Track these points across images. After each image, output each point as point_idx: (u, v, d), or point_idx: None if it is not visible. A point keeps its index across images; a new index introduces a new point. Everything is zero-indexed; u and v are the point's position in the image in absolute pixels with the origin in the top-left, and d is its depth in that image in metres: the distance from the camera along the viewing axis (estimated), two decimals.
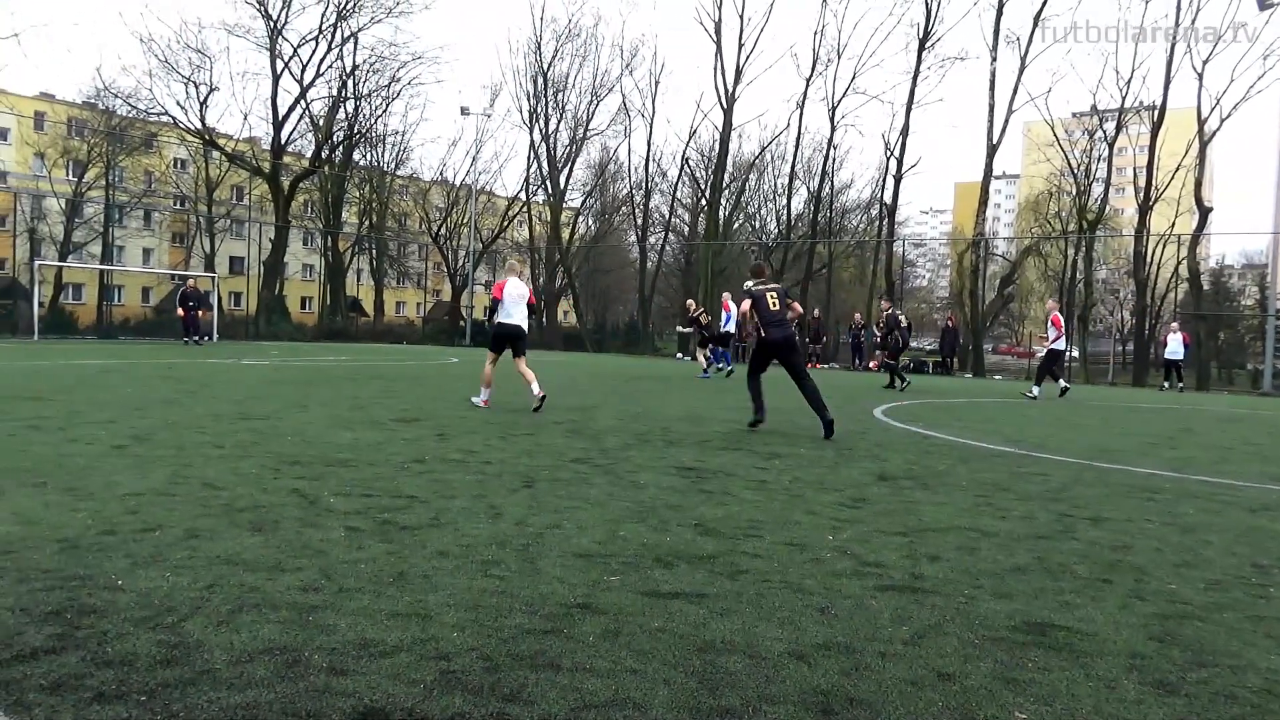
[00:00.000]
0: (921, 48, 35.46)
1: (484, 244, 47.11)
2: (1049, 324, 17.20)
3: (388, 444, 7.49)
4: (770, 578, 3.94)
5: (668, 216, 46.01)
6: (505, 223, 48.00)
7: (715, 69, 41.78)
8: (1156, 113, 32.25)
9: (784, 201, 42.10)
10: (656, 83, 51.13)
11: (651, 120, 45.31)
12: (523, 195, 46.30)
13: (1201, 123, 31.65)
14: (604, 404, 12.32)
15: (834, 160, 40.43)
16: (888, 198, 37.69)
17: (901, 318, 20.37)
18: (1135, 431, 11.82)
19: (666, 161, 52.90)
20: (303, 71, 40.64)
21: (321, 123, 42.20)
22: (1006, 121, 33.57)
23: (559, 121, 44.67)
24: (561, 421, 9.70)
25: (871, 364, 29.07)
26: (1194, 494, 6.67)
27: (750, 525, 4.97)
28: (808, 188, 41.59)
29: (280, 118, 40.57)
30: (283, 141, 41.25)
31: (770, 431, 9.60)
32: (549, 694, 2.63)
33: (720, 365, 20.81)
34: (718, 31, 39.09)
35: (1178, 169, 32.85)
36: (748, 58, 41.33)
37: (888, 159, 37.89)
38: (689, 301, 21.86)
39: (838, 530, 4.94)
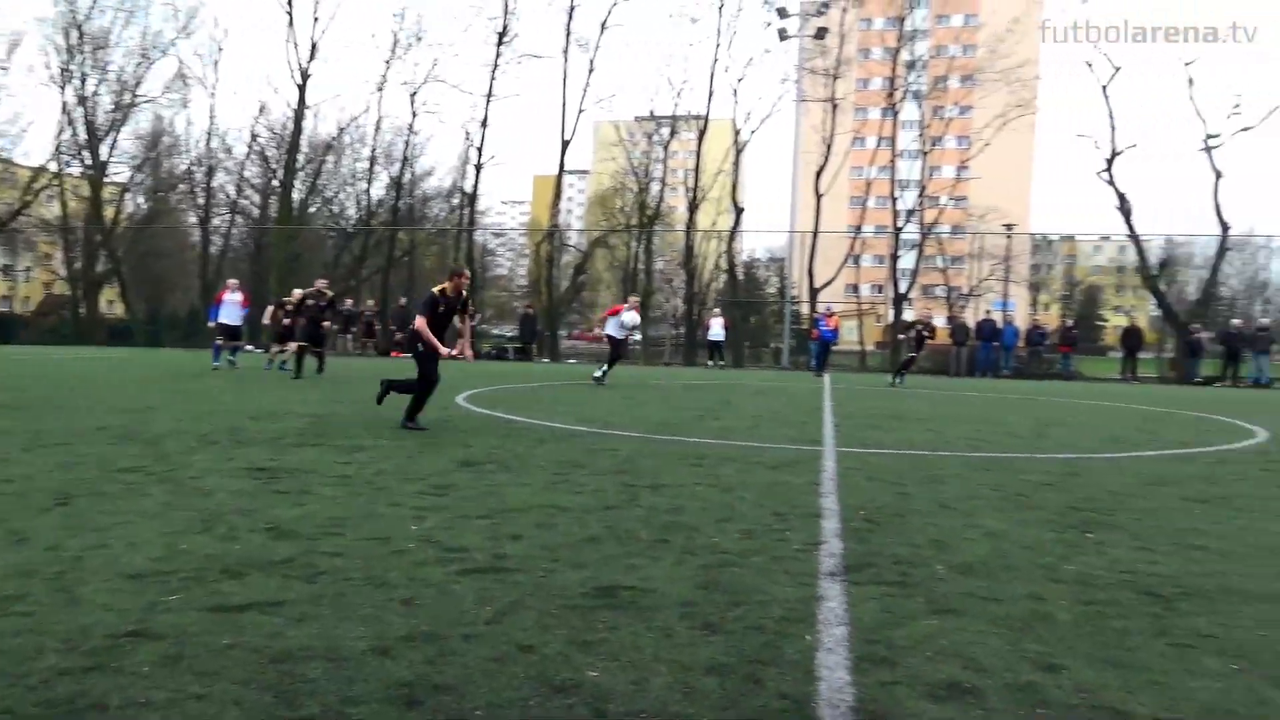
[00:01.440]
0: (500, 42, 36.45)
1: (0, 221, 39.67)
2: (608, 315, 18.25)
3: None
4: (351, 576, 3.84)
5: (234, 196, 42.35)
6: (29, 197, 40.80)
7: (287, 41, 39.24)
8: (701, 122, 36.46)
9: (364, 186, 40.86)
10: (219, 49, 46.73)
11: (214, 90, 41.52)
12: (53, 166, 39.71)
13: (736, 133, 36.39)
14: (163, 405, 11.04)
15: (415, 146, 40.22)
16: (468, 187, 38.35)
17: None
18: (688, 406, 13.30)
19: (233, 137, 48.72)
20: None
21: None
22: (577, 120, 35.94)
23: (99, 83, 38.96)
24: (107, 427, 8.53)
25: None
26: (732, 457, 7.69)
27: (330, 523, 4.79)
28: (388, 173, 40.81)
29: None
30: None
31: (354, 423, 9.31)
32: None
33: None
34: (289, 1, 36.73)
35: (719, 173, 37.40)
36: (322, 32, 39.40)
37: (467, 148, 38.47)
38: (295, 291, 18.94)
39: (421, 520, 4.95)
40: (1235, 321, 28.78)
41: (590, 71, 35.85)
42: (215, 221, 41.52)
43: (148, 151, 42.16)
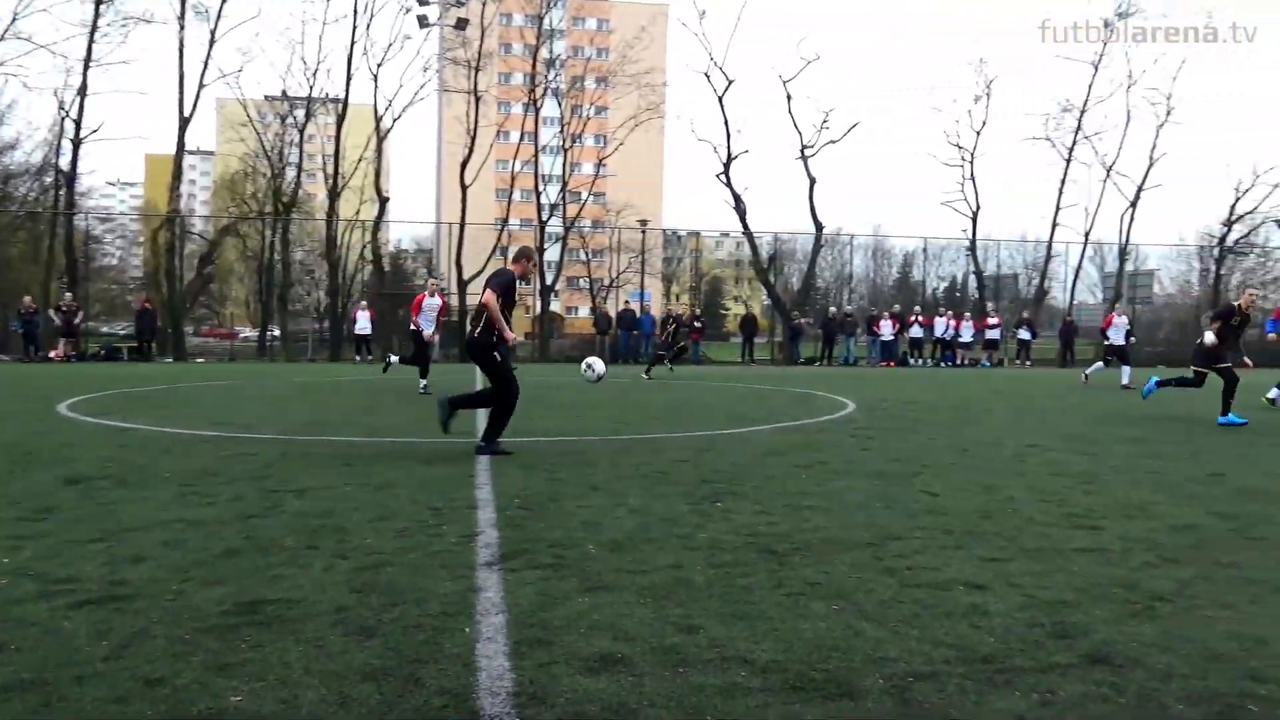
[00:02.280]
0: (99, 0, 31.99)
1: None
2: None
3: None
4: None
5: None
6: None
7: None
8: (341, 106, 34.79)
9: None
10: None
11: None
12: None
13: (378, 120, 35.19)
14: None
15: None
16: (64, 164, 33.31)
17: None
18: (336, 404, 12.71)
19: None
20: None
21: None
22: (198, 96, 32.52)
23: None
24: None
25: (53, 354, 25.56)
26: (385, 455, 7.49)
27: None
28: None
29: None
30: None
31: None
32: None
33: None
34: None
35: (360, 160, 35.97)
36: None
37: (62, 119, 33.37)
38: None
39: (16, 550, 4.26)
40: (832, 309, 33.20)
41: (211, 43, 32.67)
42: None
43: None
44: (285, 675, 2.81)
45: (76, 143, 32.72)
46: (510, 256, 8.16)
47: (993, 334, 31.08)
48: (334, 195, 34.78)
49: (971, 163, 36.63)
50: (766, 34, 45.37)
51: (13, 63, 33.17)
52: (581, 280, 41.91)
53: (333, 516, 5.09)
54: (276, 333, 35.54)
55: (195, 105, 32.91)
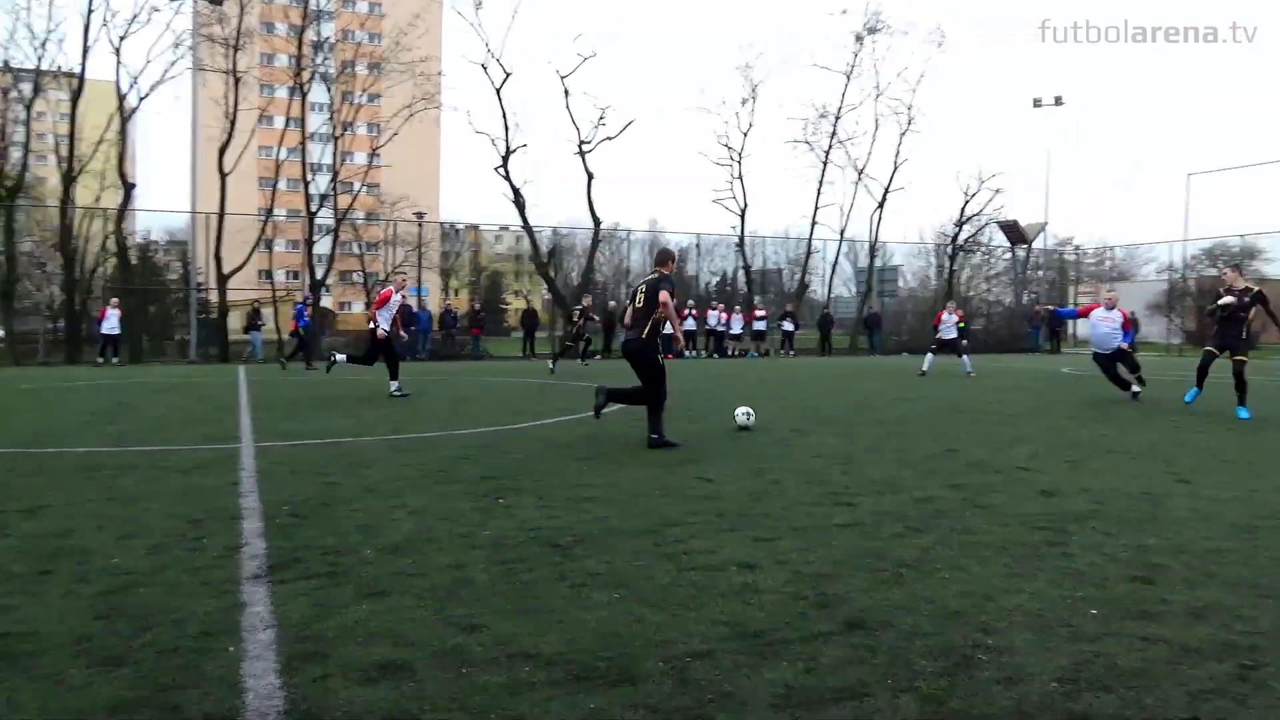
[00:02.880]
0: None
1: None
2: None
3: None
4: None
5: None
6: None
7: None
8: (77, 81, 31.34)
9: None
10: None
11: None
12: None
13: (122, 99, 32.01)
14: None
15: None
16: None
17: None
18: (74, 411, 11.50)
19: None
20: None
21: None
22: None
23: None
24: None
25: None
26: (134, 465, 6.86)
27: None
28: None
29: None
30: None
31: None
32: None
33: None
34: None
35: (100, 142, 32.60)
36: None
37: None
38: None
39: None
40: (612, 303, 33.80)
41: None
42: None
43: None
44: (17, 717, 2.53)
45: None
46: (658, 259, 8.73)
47: (760, 326, 32.86)
48: (69, 180, 31.34)
49: (739, 162, 38.51)
50: (545, 28, 45.52)
51: None
52: (355, 274, 40.27)
53: (72, 536, 4.60)
54: (0, 333, 31.62)
55: None
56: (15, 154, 32.94)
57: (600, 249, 37.95)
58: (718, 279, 45.18)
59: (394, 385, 13.55)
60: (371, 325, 13.69)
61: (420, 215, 35.05)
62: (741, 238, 38.73)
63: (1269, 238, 38.61)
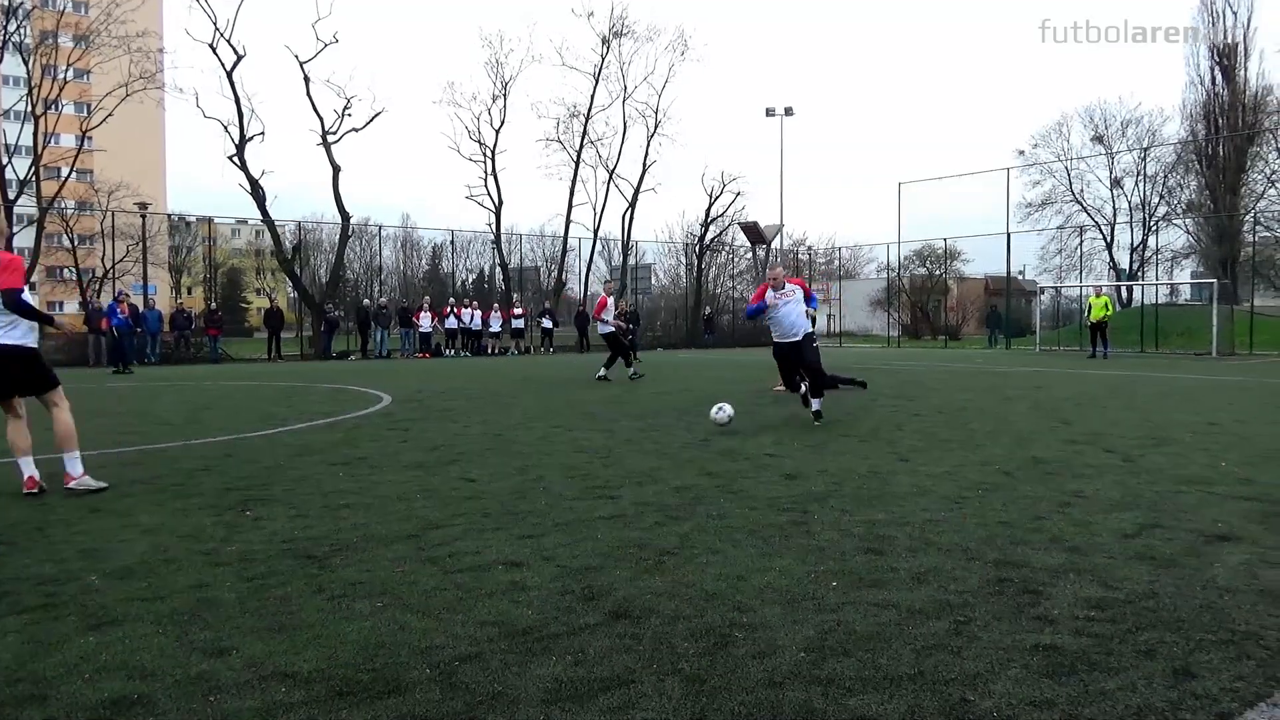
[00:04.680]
0: None
1: None
2: None
3: None
4: None
5: None
6: None
7: None
8: None
9: None
10: None
11: None
12: None
13: None
14: None
15: None
16: None
17: None
18: None
19: None
20: None
21: None
22: None
23: None
24: None
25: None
26: None
27: None
28: None
29: None
30: None
31: None
32: None
33: None
34: None
35: None
36: None
37: None
38: None
39: None
40: (366, 300, 32.49)
41: None
42: None
43: None
44: None
45: None
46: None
47: (518, 324, 32.86)
48: None
49: (493, 159, 38.31)
50: (281, 9, 42.86)
51: None
52: (67, 270, 36.09)
53: None
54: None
55: None
56: None
57: (350, 245, 36.36)
58: (474, 276, 44.71)
59: (631, 369, 16.58)
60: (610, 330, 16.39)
61: (144, 206, 31.87)
62: (498, 235, 38.57)
63: (968, 241, 43.76)
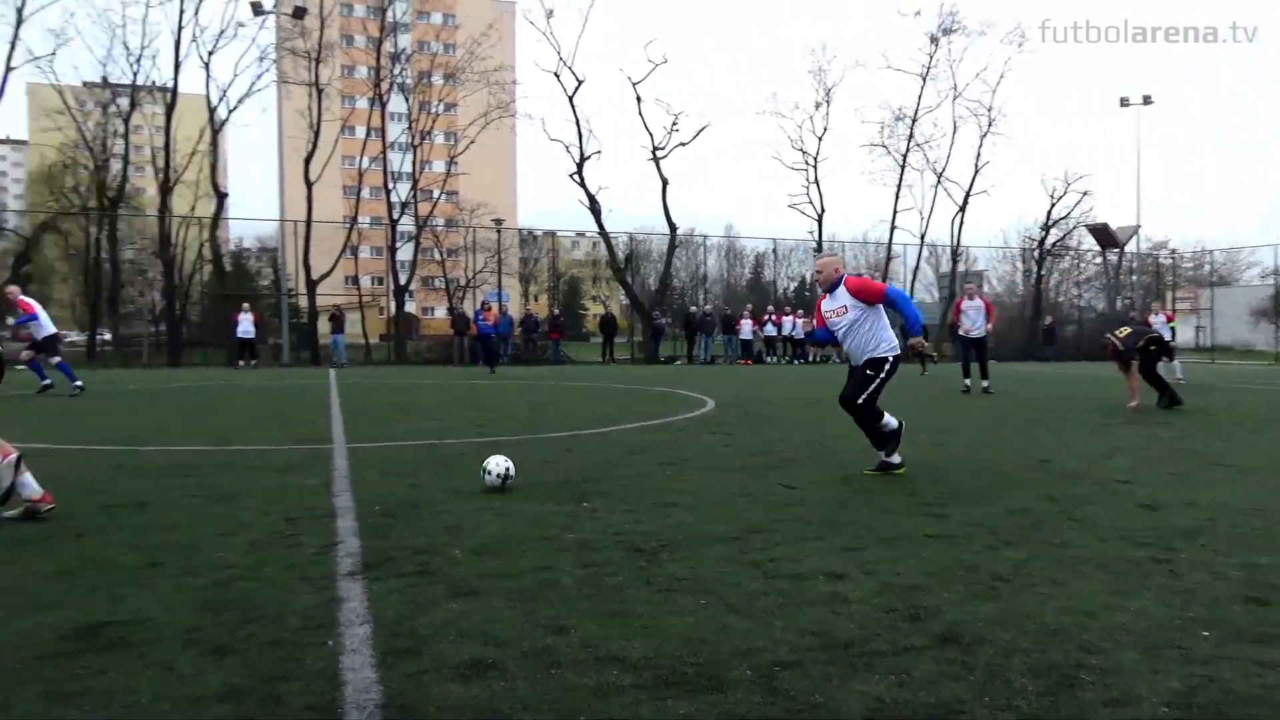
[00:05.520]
0: None
1: None
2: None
3: None
4: None
5: None
6: None
7: None
8: (170, 95, 32.74)
9: None
10: None
11: None
12: None
13: (212, 111, 33.32)
14: None
15: None
16: None
17: None
18: (178, 410, 11.98)
19: None
20: None
21: None
22: (5, 79, 29.95)
23: None
24: None
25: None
26: (231, 464, 7.12)
27: None
28: None
29: None
30: None
31: None
32: None
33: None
34: None
35: (194, 153, 33.99)
36: None
37: None
38: (11, 288, 14.19)
39: None
40: (693, 308, 33.79)
41: (18, 23, 30.08)
42: None
43: None
44: (133, 701, 2.64)
45: None
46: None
47: None
48: (166, 190, 32.76)
49: (815, 166, 38.15)
50: (615, 35, 45.79)
51: None
52: (437, 280, 41.11)
53: (178, 531, 4.80)
54: (108, 336, 33.14)
55: (2, 90, 30.31)
56: (115, 166, 34.54)
57: (677, 254, 37.97)
58: (795, 284, 44.81)
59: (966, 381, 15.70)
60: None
61: (499, 222, 35.55)
62: (819, 242, 38.33)
63: None
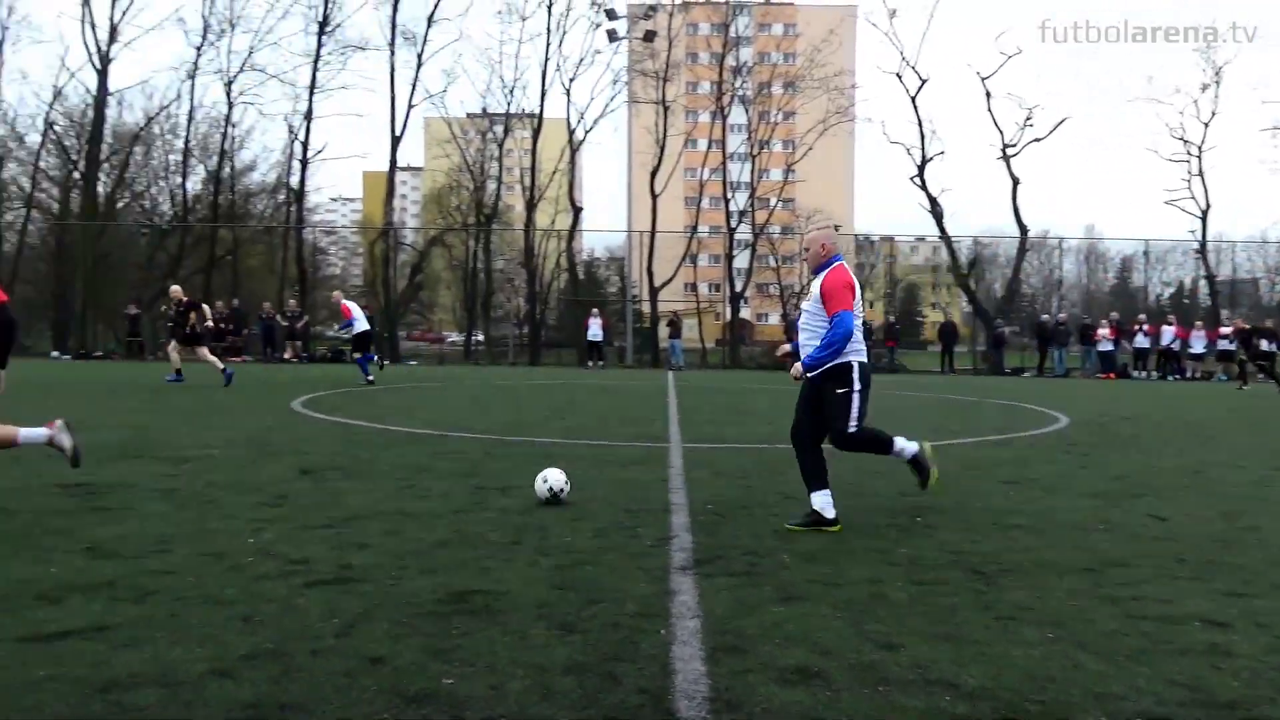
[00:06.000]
0: (321, 31, 34.99)
1: None
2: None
3: None
4: (184, 595, 3.60)
5: (29, 190, 38.69)
6: None
7: (83, 21, 36.21)
8: (536, 120, 36.30)
9: (178, 180, 38.21)
10: (3, 28, 42.43)
11: None
12: None
13: (571, 132, 36.44)
14: None
15: (233, 139, 37.86)
16: (295, 182, 36.65)
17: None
18: (534, 407, 13.23)
19: (24, 124, 43.89)
20: None
21: None
22: (407, 116, 35.03)
23: None
24: None
25: (287, 355, 28.01)
26: (581, 456, 7.71)
27: (158, 541, 4.48)
28: (205, 166, 38.42)
29: None
30: None
31: (179, 433, 8.72)
32: None
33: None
34: None
35: (555, 172, 37.36)
36: (123, 14, 36.40)
37: (292, 142, 36.68)
38: (174, 288, 17.62)
39: (259, 532, 4.70)
40: (1044, 316, 31.27)
41: (419, 66, 34.93)
42: (8, 218, 37.81)
43: None
44: (492, 663, 2.94)
45: (304, 163, 35.88)
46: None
47: (1227, 345, 28.22)
48: (531, 206, 36.30)
49: (1199, 157, 33.60)
50: (961, 30, 43.47)
51: (250, 92, 36.60)
52: (771, 286, 41.67)
53: (534, 515, 5.29)
54: (480, 337, 37.43)
55: (405, 124, 35.36)
56: (490, 186, 38.88)
57: (1028, 258, 35.30)
58: (1172, 290, 39.78)
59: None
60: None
61: (836, 228, 35.11)
62: (1203, 243, 33.72)
63: None
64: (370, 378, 16.62)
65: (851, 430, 5.23)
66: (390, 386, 17.20)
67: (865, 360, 5.27)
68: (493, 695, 2.70)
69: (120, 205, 38.37)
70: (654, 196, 34.26)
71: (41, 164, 37.93)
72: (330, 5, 35.05)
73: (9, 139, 37.53)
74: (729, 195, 35.64)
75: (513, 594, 3.70)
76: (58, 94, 36.42)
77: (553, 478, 5.62)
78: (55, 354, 30.07)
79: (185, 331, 15.65)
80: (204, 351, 16.00)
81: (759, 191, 36.88)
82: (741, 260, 37.83)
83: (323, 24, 35.06)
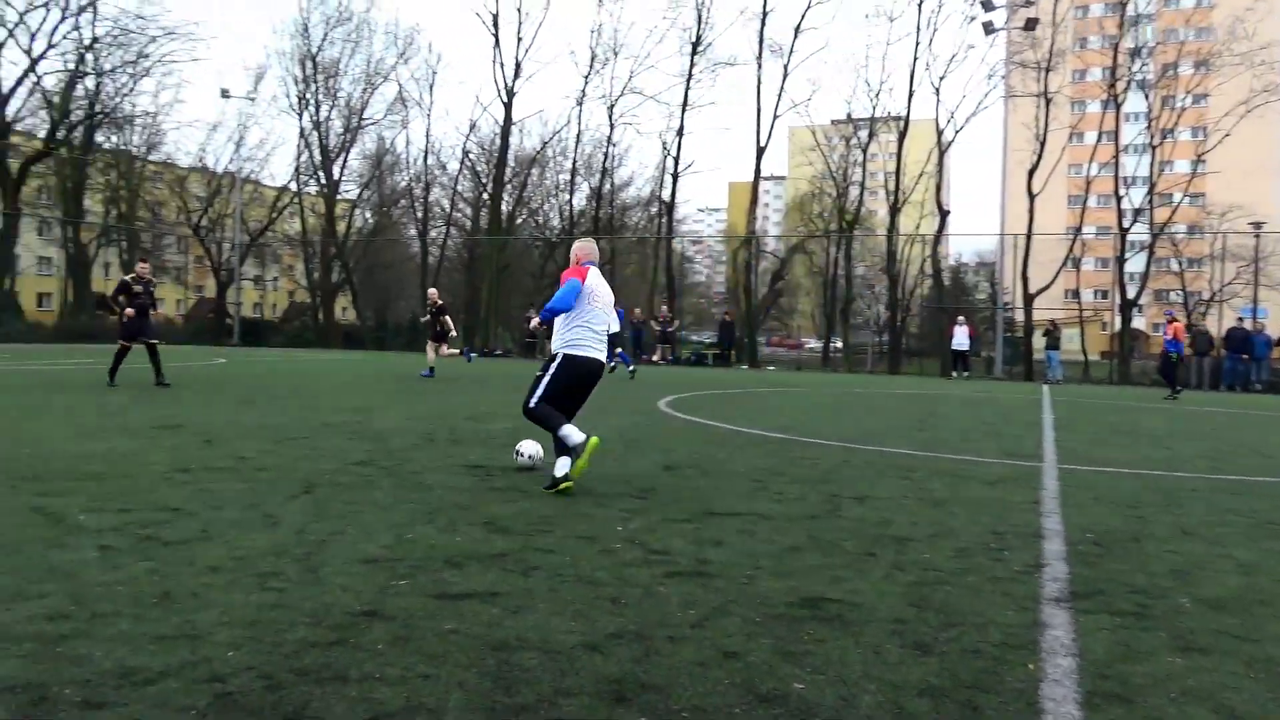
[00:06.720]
0: (694, 51, 36.83)
1: (251, 236, 44.18)
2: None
3: (145, 453, 6.88)
4: (562, 572, 3.97)
5: (449, 210, 45.09)
6: (274, 214, 45.24)
7: (494, 62, 41.49)
8: (902, 123, 35.26)
9: (566, 197, 42.37)
10: (434, 73, 49.81)
11: (429, 111, 45.11)
12: (293, 185, 43.82)
13: (939, 133, 34.91)
14: (387, 405, 11.91)
15: (613, 158, 41.15)
16: (666, 195, 38.99)
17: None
18: (891, 416, 12.87)
19: (446, 154, 51.22)
20: (31, 41, 36.32)
21: (56, 100, 37.91)
22: (772, 126, 35.76)
23: (331, 109, 42.69)
24: (342, 424, 9.28)
25: (655, 358, 29.80)
26: (942, 471, 7.36)
27: (541, 521, 4.98)
28: (589, 184, 42.19)
29: (5, 92, 36.10)
30: (8, 119, 36.72)
31: None
32: (336, 707, 2.52)
33: (621, 364, 17.76)
34: (495, 24, 38.73)
35: (921, 175, 36.02)
36: (526, 52, 41.13)
37: (665, 157, 39.03)
38: (431, 290, 20.34)
39: (627, 521, 5.05)
40: None
41: (784, 77, 35.49)
42: (432, 234, 44.31)
43: (373, 170, 45.57)
44: (843, 674, 2.90)
45: (675, 176, 37.99)
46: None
47: None
48: (894, 211, 35.35)
49: None
50: None
51: (630, 113, 39.45)
52: (1173, 293, 36.86)
53: (891, 527, 5.13)
54: (839, 344, 37.21)
55: (770, 135, 36.16)
56: (853, 192, 38.46)
57: None
58: None
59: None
60: None
61: (1257, 225, 30.23)
62: None
63: None
64: (631, 368, 19.07)
65: (529, 405, 6.08)
66: (748, 390, 17.65)
67: (578, 354, 6.07)
68: (842, 705, 2.66)
69: (519, 221, 43.30)
70: (1031, 196, 31.81)
71: (459, 187, 44.02)
72: (703, 25, 36.81)
73: (434, 167, 43.98)
74: (1122, 192, 32.06)
75: (867, 606, 3.62)
76: (473, 127, 41.99)
77: (528, 448, 6.60)
78: (470, 354, 34.51)
79: (436, 330, 18.00)
80: (443, 348, 18.45)
81: (1160, 186, 32.78)
82: (1136, 264, 33.82)
83: (695, 44, 36.92)
